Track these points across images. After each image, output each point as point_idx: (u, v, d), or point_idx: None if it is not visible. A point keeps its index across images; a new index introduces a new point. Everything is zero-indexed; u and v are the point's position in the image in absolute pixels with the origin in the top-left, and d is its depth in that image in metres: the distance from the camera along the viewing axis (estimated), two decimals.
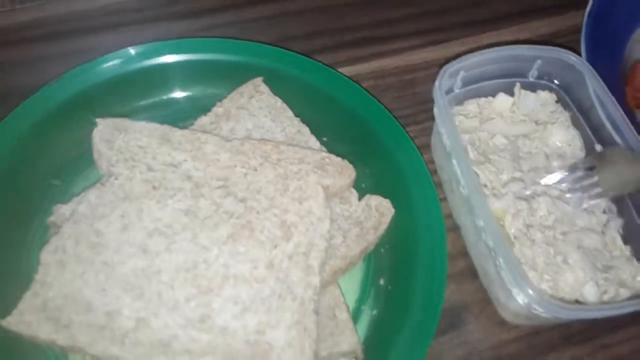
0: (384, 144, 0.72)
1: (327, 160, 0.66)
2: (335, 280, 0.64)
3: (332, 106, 0.74)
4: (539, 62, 0.73)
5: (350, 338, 0.60)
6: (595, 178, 0.66)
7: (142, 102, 0.76)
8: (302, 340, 0.55)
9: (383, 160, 0.71)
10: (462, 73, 0.71)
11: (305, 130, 0.72)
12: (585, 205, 0.67)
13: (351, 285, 0.67)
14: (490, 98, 0.76)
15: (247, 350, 0.54)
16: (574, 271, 0.63)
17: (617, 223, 0.69)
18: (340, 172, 0.66)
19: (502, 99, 0.75)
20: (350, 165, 0.67)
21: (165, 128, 0.67)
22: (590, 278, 0.63)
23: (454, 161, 0.63)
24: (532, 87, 0.76)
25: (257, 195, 0.63)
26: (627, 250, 0.67)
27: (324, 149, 0.71)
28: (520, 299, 0.58)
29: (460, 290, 0.68)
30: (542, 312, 0.57)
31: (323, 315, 0.62)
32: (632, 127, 0.65)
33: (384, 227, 0.66)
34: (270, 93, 0.74)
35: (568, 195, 0.67)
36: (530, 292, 0.56)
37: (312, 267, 0.59)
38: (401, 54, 0.87)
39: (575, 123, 0.74)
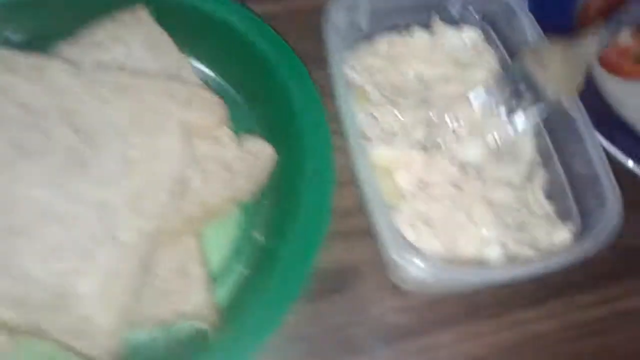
0: (279, 81, 0.62)
1: (194, 94, 0.56)
2: (194, 231, 0.54)
3: (224, 36, 0.64)
4: None
5: (198, 297, 0.51)
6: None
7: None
8: (117, 292, 0.45)
9: (276, 99, 0.62)
10: (366, 6, 0.61)
11: (187, 64, 0.63)
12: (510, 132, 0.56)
13: (221, 239, 0.58)
14: (406, 35, 0.65)
15: (51, 300, 0.45)
16: (477, 229, 0.53)
17: (540, 177, 0.58)
18: (208, 107, 0.56)
19: (418, 36, 0.64)
20: (221, 101, 0.57)
21: (4, 51, 0.57)
22: (495, 237, 0.52)
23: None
24: (454, 22, 0.65)
25: (104, 129, 0.54)
26: (549, 208, 0.56)
27: (202, 85, 0.61)
28: (400, 261, 0.48)
29: (351, 251, 0.58)
30: (424, 275, 0.47)
31: (172, 270, 0.52)
32: None
33: (260, 173, 0.57)
34: (153, 22, 0.64)
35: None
36: (407, 254, 0.46)
37: (147, 211, 0.49)
38: None
39: (504, 66, 0.63)
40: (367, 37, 0.64)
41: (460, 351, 0.54)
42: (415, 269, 0.46)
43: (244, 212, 0.59)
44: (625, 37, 0.71)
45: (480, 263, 0.52)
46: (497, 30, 0.64)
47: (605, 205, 0.50)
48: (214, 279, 0.55)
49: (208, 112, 0.56)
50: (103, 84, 0.56)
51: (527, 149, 0.58)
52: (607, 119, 0.64)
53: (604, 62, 0.71)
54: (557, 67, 0.54)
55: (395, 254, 0.46)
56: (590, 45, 0.54)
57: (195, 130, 0.56)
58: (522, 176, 0.57)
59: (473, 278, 0.48)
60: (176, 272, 0.52)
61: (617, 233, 0.49)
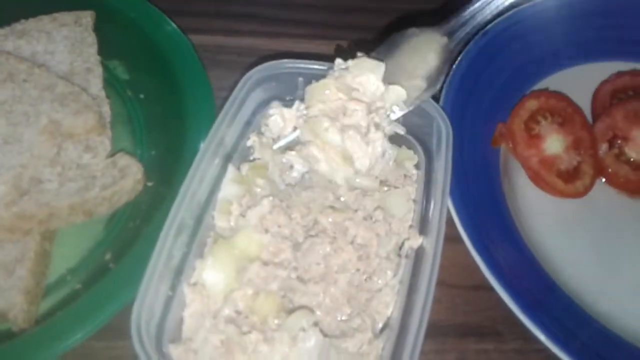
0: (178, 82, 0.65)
1: (73, 96, 0.56)
2: (42, 234, 0.54)
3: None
4: None
5: (13, 299, 0.50)
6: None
7: None
8: None
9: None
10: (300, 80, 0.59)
11: (99, 72, 0.64)
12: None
13: (73, 251, 0.57)
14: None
15: None
16: None
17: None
18: (84, 112, 0.56)
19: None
20: (96, 110, 0.57)
21: None
22: None
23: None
24: None
25: None
26: None
27: (102, 94, 0.61)
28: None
29: None
30: None
31: None
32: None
33: (121, 190, 0.56)
34: (90, 29, 0.66)
35: None
36: None
37: None
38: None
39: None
40: None
41: None
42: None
43: (104, 230, 0.58)
44: (555, 144, 0.66)
45: None
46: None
47: None
48: (48, 288, 0.54)
49: (82, 117, 0.56)
50: None
51: None
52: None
53: (526, 167, 0.66)
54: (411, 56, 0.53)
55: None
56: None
57: (67, 133, 0.56)
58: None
59: None
60: (1, 267, 0.52)
61: None
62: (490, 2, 0.52)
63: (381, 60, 0.54)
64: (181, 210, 0.47)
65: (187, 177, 0.48)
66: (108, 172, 0.56)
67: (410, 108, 0.55)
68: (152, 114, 0.66)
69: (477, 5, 0.53)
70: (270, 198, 0.52)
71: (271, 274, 0.49)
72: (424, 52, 0.54)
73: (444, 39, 0.54)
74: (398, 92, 0.55)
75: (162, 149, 0.63)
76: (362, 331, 0.50)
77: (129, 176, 0.56)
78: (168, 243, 0.46)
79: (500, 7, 0.53)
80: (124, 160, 0.57)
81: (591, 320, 0.55)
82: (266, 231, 0.51)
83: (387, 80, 0.55)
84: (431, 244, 0.50)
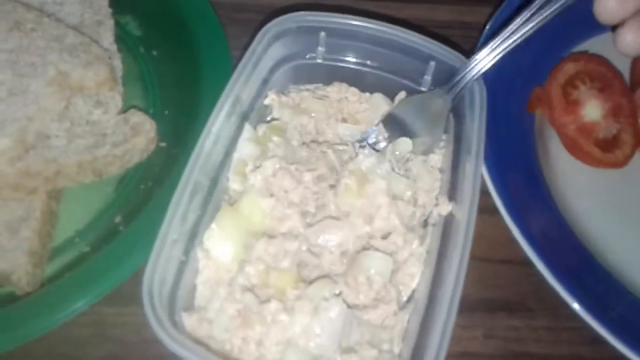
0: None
1: (83, 47, 0.53)
2: (48, 193, 0.51)
3: None
4: (432, 64, 0.54)
5: (14, 260, 0.47)
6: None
7: None
8: None
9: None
10: (323, 35, 0.55)
11: (110, 25, 0.60)
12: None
13: (81, 212, 0.55)
14: (367, 94, 0.57)
15: None
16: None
17: None
18: (92, 63, 0.52)
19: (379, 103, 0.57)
20: (108, 62, 0.53)
21: None
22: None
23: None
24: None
25: None
26: None
27: (113, 48, 0.58)
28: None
29: None
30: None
31: (2, 223, 0.49)
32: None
33: (132, 148, 0.53)
34: None
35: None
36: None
37: None
38: None
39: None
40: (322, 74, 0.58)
41: None
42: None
43: (114, 191, 0.56)
44: (594, 111, 0.61)
45: None
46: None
47: None
48: (54, 250, 0.52)
49: (92, 69, 0.53)
50: (4, 16, 0.54)
51: None
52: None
53: (563, 134, 0.62)
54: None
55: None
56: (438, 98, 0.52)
57: (77, 86, 0.53)
58: None
59: None
60: (5, 227, 0.49)
61: None
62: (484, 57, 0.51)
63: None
64: (195, 170, 0.44)
65: (201, 135, 0.45)
66: (119, 129, 0.53)
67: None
68: (166, 72, 0.62)
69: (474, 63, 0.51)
70: (276, 159, 0.48)
71: (281, 249, 0.46)
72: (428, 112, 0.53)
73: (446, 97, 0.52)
74: (405, 143, 0.53)
75: (175, 109, 0.60)
76: (386, 303, 0.47)
77: (141, 134, 0.53)
78: (182, 205, 0.43)
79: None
80: (136, 117, 0.54)
81: (630, 294, 0.52)
82: (271, 195, 0.47)
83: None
84: (464, 210, 0.46)
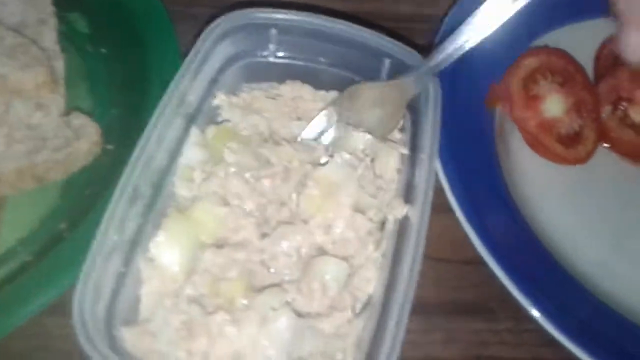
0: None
1: (22, 48, 0.50)
2: None
3: None
4: (387, 61, 0.53)
5: None
6: None
7: None
8: None
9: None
10: (274, 32, 0.53)
11: (53, 24, 0.58)
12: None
13: (24, 219, 0.52)
14: (322, 92, 0.55)
15: None
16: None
17: None
18: (30, 65, 0.50)
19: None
20: (46, 64, 0.51)
21: None
22: None
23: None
24: None
25: None
26: None
27: (56, 48, 0.55)
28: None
29: None
30: None
31: None
32: None
33: (75, 153, 0.50)
34: None
35: None
36: None
37: None
38: None
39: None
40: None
41: None
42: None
43: (60, 197, 0.53)
44: (555, 106, 0.60)
45: None
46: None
47: None
48: None
49: (30, 72, 0.50)
50: None
51: None
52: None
53: (524, 130, 0.60)
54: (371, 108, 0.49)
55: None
56: (403, 88, 0.50)
57: (15, 89, 0.50)
58: None
59: None
60: None
61: None
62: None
63: None
64: (134, 175, 0.42)
65: (142, 137, 0.43)
66: (61, 132, 0.51)
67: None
68: (115, 70, 0.60)
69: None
70: (231, 165, 0.46)
71: (229, 258, 0.44)
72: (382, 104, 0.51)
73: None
74: (364, 137, 0.51)
75: (124, 108, 0.58)
76: (340, 310, 0.45)
77: (84, 137, 0.51)
78: (119, 212, 0.41)
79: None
80: (79, 119, 0.52)
81: (591, 297, 0.51)
82: (225, 204, 0.45)
83: (349, 122, 0.52)
84: (417, 212, 0.44)
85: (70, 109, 0.55)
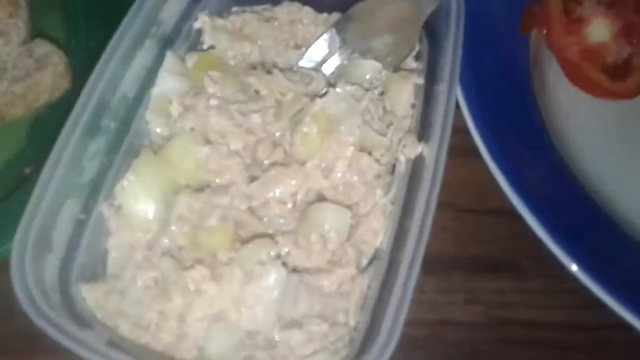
0: None
1: None
2: None
3: None
4: None
5: None
6: None
7: None
8: None
9: None
10: None
11: None
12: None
13: None
14: (324, 15, 0.49)
15: None
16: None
17: None
18: None
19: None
20: None
21: None
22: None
23: None
24: None
25: None
26: None
27: None
28: None
29: None
30: None
31: None
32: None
33: (37, 85, 0.45)
34: None
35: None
36: None
37: None
38: None
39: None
40: None
41: None
42: None
43: (26, 138, 0.48)
44: (601, 30, 0.53)
45: None
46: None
47: None
48: None
49: None
50: None
51: None
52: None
53: (563, 59, 0.54)
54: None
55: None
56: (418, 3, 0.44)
57: None
58: None
59: None
60: None
61: None
62: None
63: None
64: (92, 103, 0.35)
65: (102, 56, 0.36)
66: (21, 62, 0.45)
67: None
68: None
69: None
70: (213, 97, 0.40)
71: (208, 204, 0.38)
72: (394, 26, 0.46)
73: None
74: (372, 65, 0.46)
75: (102, 40, 0.51)
76: (343, 266, 0.39)
77: (47, 67, 0.45)
78: (72, 148, 0.34)
79: None
80: (42, 47, 0.46)
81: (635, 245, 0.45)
82: (206, 142, 0.39)
83: (355, 49, 0.46)
84: (433, 151, 0.38)
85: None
